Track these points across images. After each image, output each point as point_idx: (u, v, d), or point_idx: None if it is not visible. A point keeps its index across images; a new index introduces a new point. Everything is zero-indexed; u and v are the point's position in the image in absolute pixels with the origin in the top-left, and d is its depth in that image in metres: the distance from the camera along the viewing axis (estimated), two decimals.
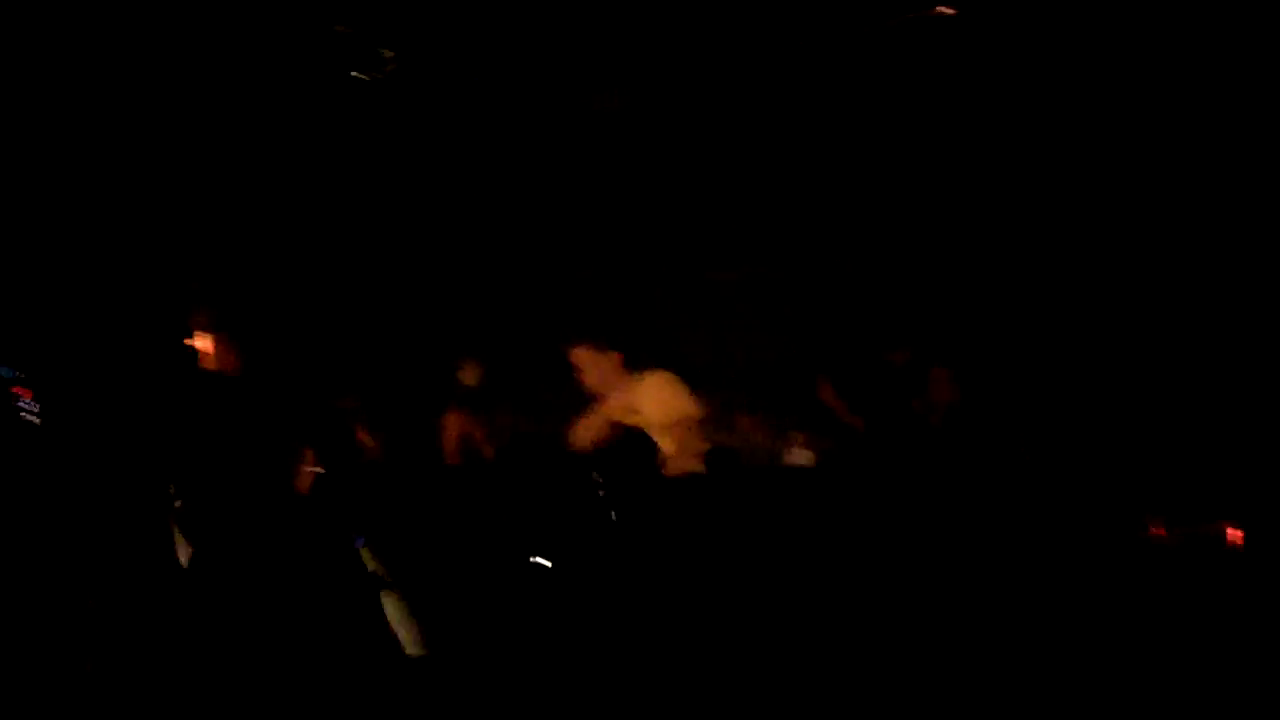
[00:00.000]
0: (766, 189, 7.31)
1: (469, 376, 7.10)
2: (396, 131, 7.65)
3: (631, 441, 6.11)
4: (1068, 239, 6.81)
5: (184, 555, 4.41)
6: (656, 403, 6.22)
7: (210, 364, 5.99)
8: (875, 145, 7.16)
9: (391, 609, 4.18)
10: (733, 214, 7.29)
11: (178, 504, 4.42)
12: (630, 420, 6.22)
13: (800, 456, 5.77)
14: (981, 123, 6.96)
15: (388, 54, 6.74)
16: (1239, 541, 5.09)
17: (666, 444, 6.02)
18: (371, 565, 3.36)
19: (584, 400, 6.51)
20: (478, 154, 7.67)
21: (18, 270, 6.00)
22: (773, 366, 6.81)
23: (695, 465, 5.74)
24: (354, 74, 6.53)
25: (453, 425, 6.83)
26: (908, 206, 7.13)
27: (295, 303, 7.47)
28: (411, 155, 7.75)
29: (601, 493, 5.08)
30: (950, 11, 6.64)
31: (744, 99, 7.24)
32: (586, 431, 6.33)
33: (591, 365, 6.42)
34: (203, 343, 5.93)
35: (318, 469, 5.47)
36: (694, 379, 6.40)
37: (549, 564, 5.04)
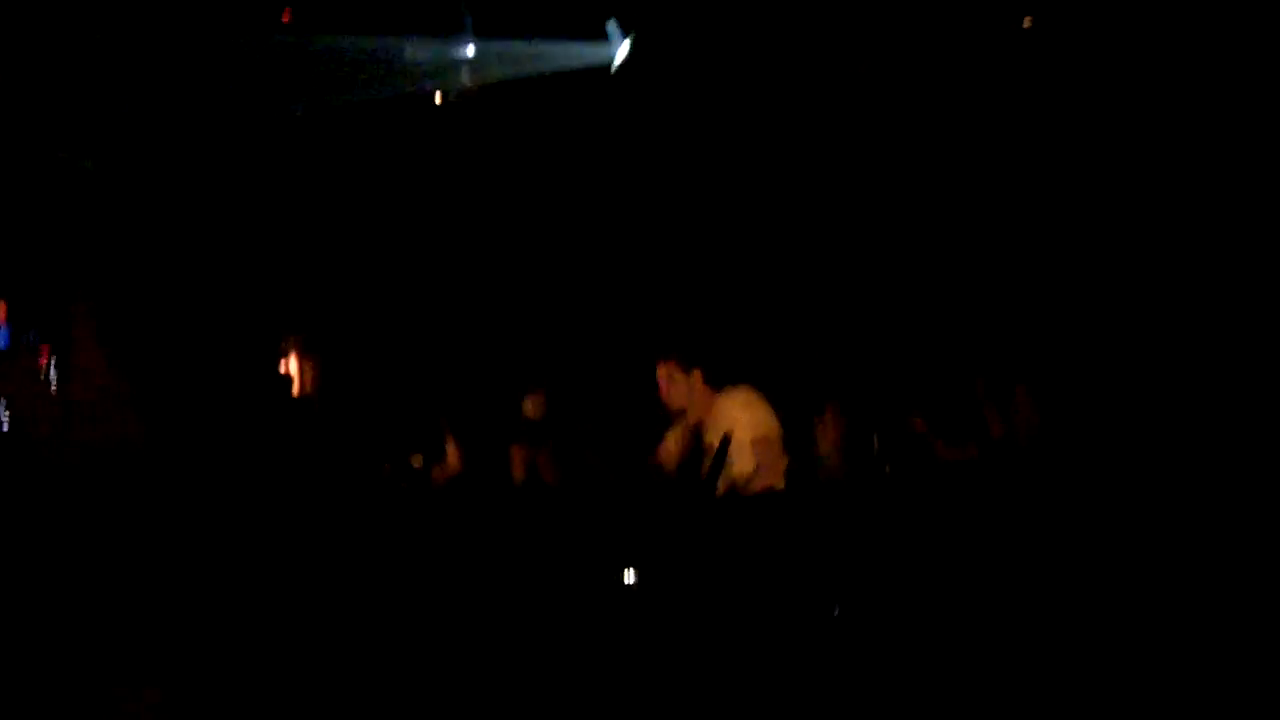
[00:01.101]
0: (842, 206, 7.31)
1: (549, 396, 7.12)
2: (470, 154, 7.74)
3: (712, 458, 6.12)
4: (1156, 251, 6.73)
5: None
6: (738, 419, 6.22)
7: (301, 387, 6.12)
8: (948, 163, 7.15)
9: None
10: (813, 232, 7.30)
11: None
12: (709, 438, 6.22)
13: (881, 473, 5.73)
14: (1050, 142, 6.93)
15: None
16: None
17: (748, 461, 6.01)
18: None
19: (666, 418, 6.53)
20: (552, 173, 7.74)
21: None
22: (855, 383, 6.79)
23: (776, 481, 5.73)
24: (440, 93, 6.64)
25: (532, 445, 6.84)
26: (987, 226, 7.10)
27: (380, 324, 7.57)
28: (485, 178, 7.83)
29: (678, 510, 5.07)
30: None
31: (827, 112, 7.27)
32: (669, 449, 6.35)
33: (673, 383, 6.44)
34: (293, 368, 6.06)
35: (405, 483, 5.53)
36: (776, 396, 6.39)
37: (632, 578, 5.04)
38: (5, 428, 5.10)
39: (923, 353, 7.08)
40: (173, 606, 3.83)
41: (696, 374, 6.48)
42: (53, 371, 5.37)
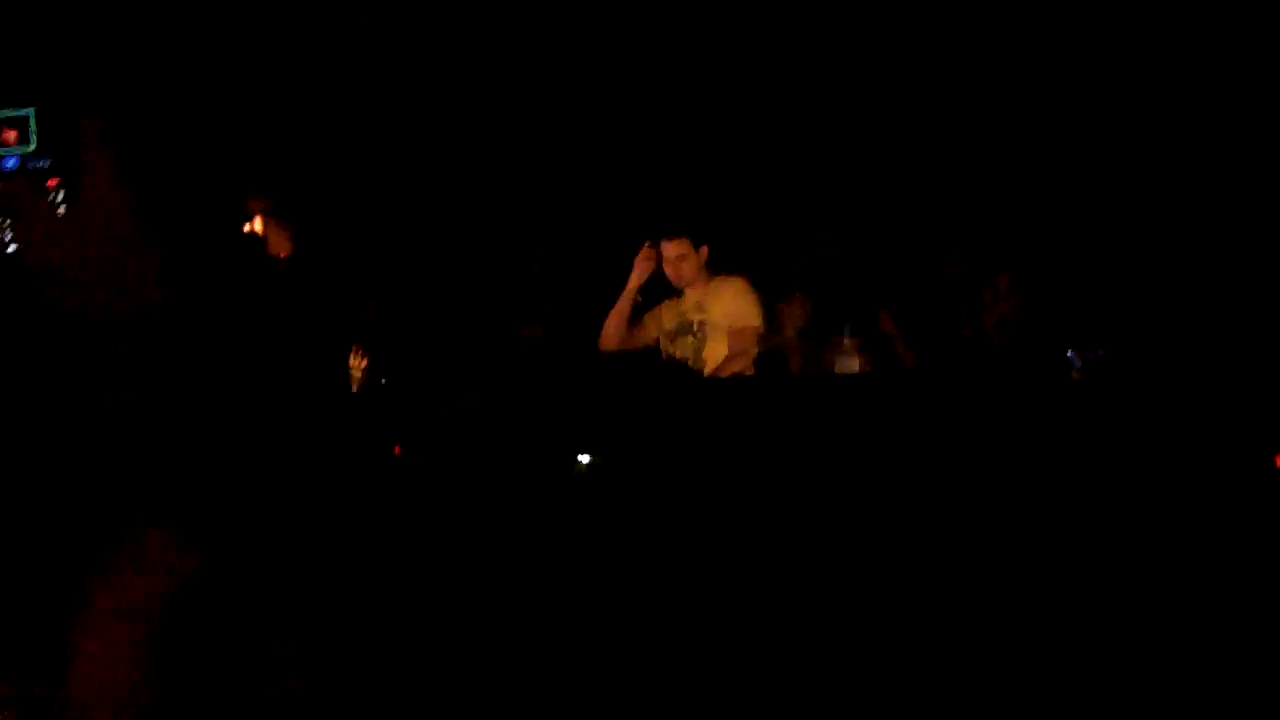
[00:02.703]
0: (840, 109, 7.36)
1: (540, 262, 7.35)
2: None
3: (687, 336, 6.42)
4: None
5: None
6: (722, 304, 6.46)
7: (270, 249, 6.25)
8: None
9: None
10: (813, 128, 7.37)
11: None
12: (693, 316, 6.49)
13: (850, 365, 5.94)
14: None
15: None
16: None
17: (722, 345, 6.30)
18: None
19: (662, 291, 6.77)
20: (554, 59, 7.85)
21: None
22: (830, 275, 6.95)
23: (745, 367, 5.99)
24: None
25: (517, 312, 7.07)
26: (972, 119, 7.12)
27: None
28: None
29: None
30: None
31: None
32: (651, 322, 6.63)
33: (684, 260, 6.64)
34: (262, 228, 6.18)
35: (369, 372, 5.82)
36: (765, 288, 6.59)
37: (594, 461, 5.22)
38: (10, 250, 5.04)
39: (899, 243, 7.20)
40: (181, 448, 3.99)
41: (704, 252, 6.66)
42: (61, 197, 5.38)
